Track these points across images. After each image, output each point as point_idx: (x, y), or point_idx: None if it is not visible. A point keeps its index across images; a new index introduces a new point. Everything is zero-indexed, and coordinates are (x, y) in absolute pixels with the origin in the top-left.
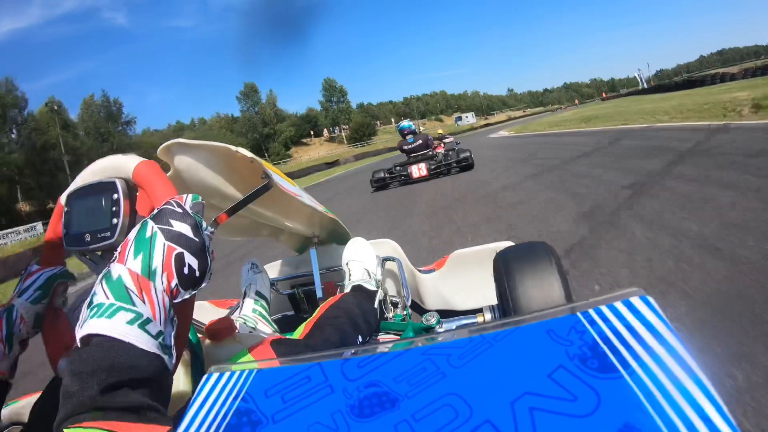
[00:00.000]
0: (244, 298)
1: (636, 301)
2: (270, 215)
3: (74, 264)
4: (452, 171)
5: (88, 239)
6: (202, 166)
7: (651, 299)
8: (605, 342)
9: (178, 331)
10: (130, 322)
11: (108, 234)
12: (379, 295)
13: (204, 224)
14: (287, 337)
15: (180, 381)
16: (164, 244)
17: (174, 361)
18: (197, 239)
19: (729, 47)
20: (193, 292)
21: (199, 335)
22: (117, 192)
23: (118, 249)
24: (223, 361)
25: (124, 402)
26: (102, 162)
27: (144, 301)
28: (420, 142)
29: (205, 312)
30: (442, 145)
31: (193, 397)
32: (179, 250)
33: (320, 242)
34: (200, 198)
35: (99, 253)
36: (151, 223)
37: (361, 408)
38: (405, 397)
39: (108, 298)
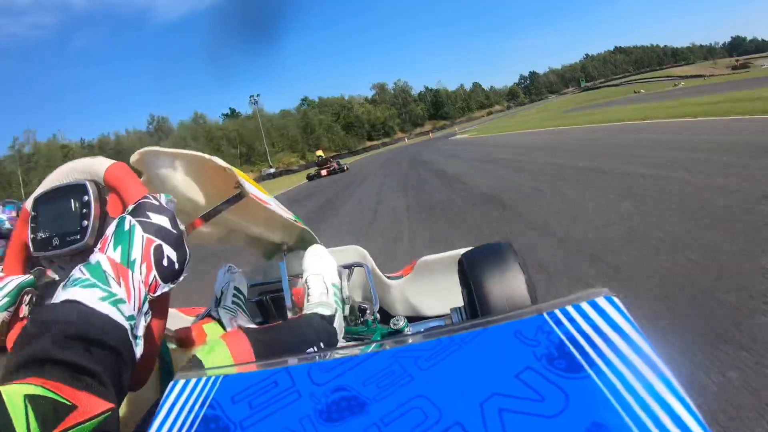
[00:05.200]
0: (221, 295)
1: (601, 301)
2: (242, 223)
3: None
4: None
5: (57, 243)
6: (176, 173)
7: (616, 299)
8: (572, 342)
9: (151, 328)
10: (103, 299)
11: (78, 237)
12: (340, 314)
13: (178, 221)
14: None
15: (148, 389)
16: (143, 236)
17: (141, 351)
18: (175, 231)
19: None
20: (172, 285)
21: (168, 343)
22: (87, 194)
23: (98, 245)
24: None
25: (72, 358)
26: (70, 164)
27: (120, 285)
28: None
29: (173, 320)
30: None
31: (159, 406)
32: (158, 242)
33: (289, 249)
34: (171, 197)
35: (67, 258)
36: (128, 217)
37: (329, 413)
38: (373, 401)
39: (84, 274)
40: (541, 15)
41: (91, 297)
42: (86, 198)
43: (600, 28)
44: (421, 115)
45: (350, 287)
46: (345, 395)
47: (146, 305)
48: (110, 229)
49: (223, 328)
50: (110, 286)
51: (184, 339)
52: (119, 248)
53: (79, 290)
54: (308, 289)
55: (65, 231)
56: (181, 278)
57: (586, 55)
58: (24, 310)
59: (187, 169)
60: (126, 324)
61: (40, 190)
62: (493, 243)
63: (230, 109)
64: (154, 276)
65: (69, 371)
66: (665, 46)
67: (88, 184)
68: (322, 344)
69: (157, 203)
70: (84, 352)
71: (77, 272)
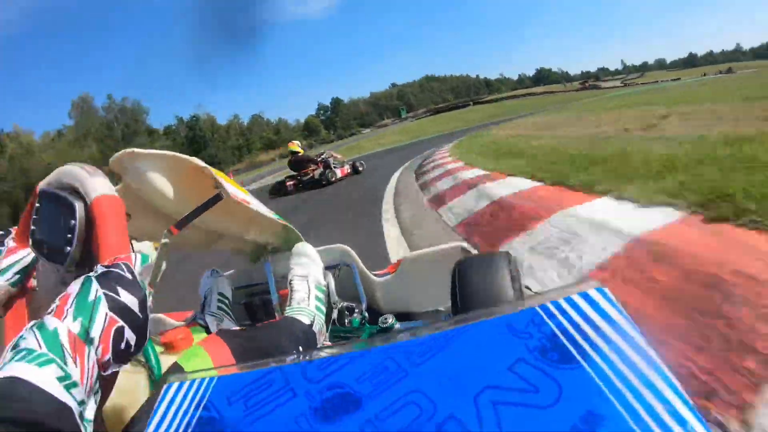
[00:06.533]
0: (205, 299)
1: (593, 293)
2: (223, 225)
3: None
4: None
5: (46, 252)
6: (154, 175)
7: (608, 291)
8: (564, 333)
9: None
10: (59, 380)
11: (61, 259)
12: (320, 320)
13: (148, 290)
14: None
15: (139, 395)
16: (107, 315)
17: None
18: (141, 315)
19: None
20: (121, 366)
21: (156, 347)
22: (75, 218)
23: (57, 302)
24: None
25: None
26: (72, 170)
27: (76, 365)
28: None
29: (159, 325)
30: None
31: (153, 410)
32: (121, 323)
33: (274, 250)
34: (149, 260)
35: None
36: (95, 285)
37: (324, 410)
38: (368, 398)
39: (41, 347)
40: (329, 39)
41: (46, 378)
42: (73, 222)
43: (403, 58)
44: None
45: (338, 286)
46: (340, 392)
47: (97, 384)
48: (74, 289)
49: (209, 334)
50: (67, 365)
51: (172, 342)
52: (79, 320)
53: (34, 369)
54: (291, 292)
55: (53, 244)
56: (132, 359)
57: (393, 84)
58: (32, 283)
59: (165, 171)
60: (75, 407)
61: (47, 181)
62: (490, 253)
63: None
64: (109, 358)
65: None
66: (477, 76)
67: (77, 207)
68: (300, 348)
69: (130, 277)
70: None
71: (31, 340)
